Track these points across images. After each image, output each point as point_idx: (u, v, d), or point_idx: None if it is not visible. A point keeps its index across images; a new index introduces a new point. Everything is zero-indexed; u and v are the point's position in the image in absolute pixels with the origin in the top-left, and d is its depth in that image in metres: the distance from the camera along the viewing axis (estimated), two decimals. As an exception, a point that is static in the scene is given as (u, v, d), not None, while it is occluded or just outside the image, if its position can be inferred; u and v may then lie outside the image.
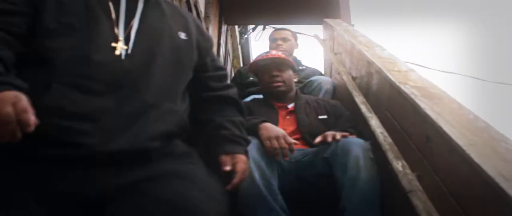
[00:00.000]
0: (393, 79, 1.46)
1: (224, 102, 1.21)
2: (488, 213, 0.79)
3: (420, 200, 1.05)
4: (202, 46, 1.16)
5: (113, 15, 0.97)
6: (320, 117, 1.81)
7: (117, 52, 0.93)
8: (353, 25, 3.36)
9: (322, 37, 3.46)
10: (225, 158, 1.11)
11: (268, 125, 1.55)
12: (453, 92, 1.27)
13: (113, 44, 0.93)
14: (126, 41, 0.95)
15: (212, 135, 1.16)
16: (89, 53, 0.90)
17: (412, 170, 1.19)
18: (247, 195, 1.38)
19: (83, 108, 0.86)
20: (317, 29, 3.69)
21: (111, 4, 0.98)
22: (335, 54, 2.81)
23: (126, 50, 0.94)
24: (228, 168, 1.09)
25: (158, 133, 0.93)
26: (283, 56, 1.98)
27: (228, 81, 1.28)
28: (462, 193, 0.91)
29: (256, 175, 1.39)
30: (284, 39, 2.78)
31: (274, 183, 1.43)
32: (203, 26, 1.21)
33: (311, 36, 3.64)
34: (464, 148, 0.88)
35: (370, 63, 1.81)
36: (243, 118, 1.24)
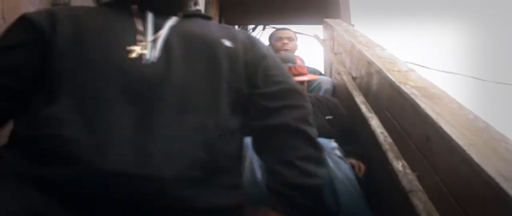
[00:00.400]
0: (393, 79, 1.46)
1: (282, 133, 0.88)
2: (488, 213, 0.79)
3: (420, 200, 1.05)
4: (250, 56, 0.94)
5: (139, 27, 0.88)
6: (327, 117, 1.82)
7: (134, 55, 0.81)
8: (353, 25, 3.36)
9: (322, 37, 3.46)
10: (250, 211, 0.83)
11: None
12: (453, 92, 1.27)
13: (132, 47, 0.83)
14: (152, 47, 0.84)
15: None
16: (101, 60, 0.80)
17: (412, 170, 1.19)
18: (248, 194, 1.38)
19: (83, 117, 0.74)
20: (317, 29, 3.69)
21: (135, 19, 0.89)
22: (335, 54, 2.81)
23: (149, 54, 0.83)
24: None
25: (180, 158, 0.73)
26: (307, 74, 1.93)
27: (294, 100, 0.93)
28: (462, 193, 0.91)
29: (258, 174, 1.39)
30: (290, 39, 2.78)
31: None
32: (256, 39, 1.02)
33: (311, 36, 3.64)
34: (464, 148, 0.88)
35: (370, 63, 1.81)
36: (312, 149, 0.87)
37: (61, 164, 0.70)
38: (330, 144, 1.48)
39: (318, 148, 0.89)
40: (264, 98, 0.91)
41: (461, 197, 0.91)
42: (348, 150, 1.63)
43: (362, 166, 1.57)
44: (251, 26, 4.45)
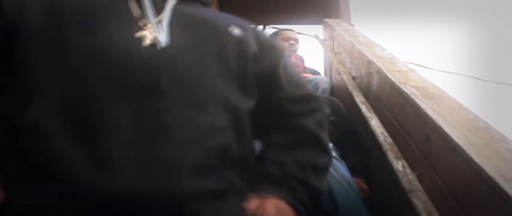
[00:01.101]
0: (393, 79, 1.46)
1: (299, 137, 0.85)
2: (488, 213, 0.79)
3: (420, 200, 1.05)
4: (261, 52, 0.85)
5: (137, 11, 0.74)
6: (330, 118, 1.82)
7: (147, 41, 0.68)
8: (353, 25, 3.36)
9: (322, 37, 3.46)
10: (252, 198, 0.74)
11: None
12: (453, 92, 1.27)
13: (138, 34, 0.69)
14: (160, 31, 0.72)
15: (256, 172, 0.80)
16: (91, 48, 0.65)
17: (412, 170, 1.19)
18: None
19: (71, 122, 0.59)
20: (317, 29, 3.69)
21: (131, 3, 0.74)
22: (335, 54, 2.81)
23: (160, 39, 0.70)
24: (247, 206, 0.71)
25: (193, 167, 0.62)
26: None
27: (315, 104, 0.92)
28: (462, 193, 0.91)
29: None
30: (296, 41, 2.81)
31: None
32: (263, 33, 0.95)
33: (311, 36, 3.64)
34: (464, 148, 0.88)
35: (370, 63, 1.81)
36: (324, 158, 0.87)
37: (49, 189, 0.56)
38: None
39: (329, 155, 0.90)
40: (287, 100, 0.88)
41: (461, 197, 0.90)
42: (354, 161, 1.62)
43: (365, 189, 1.55)
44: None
